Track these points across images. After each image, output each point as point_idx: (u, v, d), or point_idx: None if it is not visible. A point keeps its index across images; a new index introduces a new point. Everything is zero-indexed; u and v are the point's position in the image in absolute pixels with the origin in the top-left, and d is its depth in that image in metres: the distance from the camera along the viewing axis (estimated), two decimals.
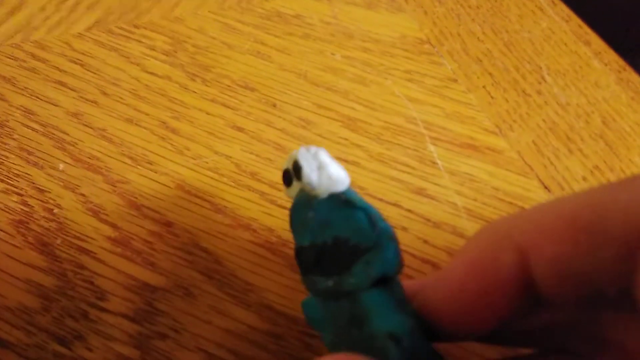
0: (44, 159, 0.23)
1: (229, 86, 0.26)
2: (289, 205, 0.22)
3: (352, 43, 0.28)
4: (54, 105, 0.25)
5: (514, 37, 0.29)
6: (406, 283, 0.14)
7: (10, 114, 0.25)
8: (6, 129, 0.24)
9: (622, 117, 0.26)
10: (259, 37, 0.28)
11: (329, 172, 0.15)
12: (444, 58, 0.28)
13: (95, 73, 0.26)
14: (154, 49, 0.28)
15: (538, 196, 0.23)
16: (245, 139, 0.24)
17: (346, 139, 0.24)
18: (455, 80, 0.27)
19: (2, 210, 0.21)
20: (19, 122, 0.24)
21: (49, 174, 0.22)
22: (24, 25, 0.29)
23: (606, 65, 0.28)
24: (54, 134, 0.24)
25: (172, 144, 0.24)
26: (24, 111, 0.25)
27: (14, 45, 0.28)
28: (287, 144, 0.24)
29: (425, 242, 0.21)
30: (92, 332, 0.18)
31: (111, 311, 0.19)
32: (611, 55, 0.28)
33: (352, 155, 0.24)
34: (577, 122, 0.26)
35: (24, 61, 0.27)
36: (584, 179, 0.23)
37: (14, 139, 0.24)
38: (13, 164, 0.23)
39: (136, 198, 0.22)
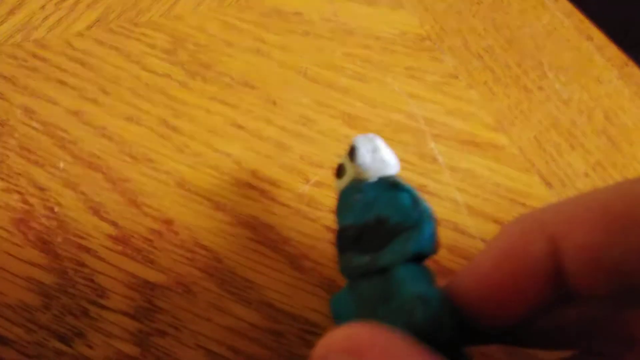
0: (44, 158, 0.23)
1: (228, 84, 0.26)
2: (289, 203, 0.22)
3: (353, 40, 0.28)
4: (54, 104, 0.25)
5: (515, 33, 0.29)
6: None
7: (10, 113, 0.25)
8: (7, 128, 0.24)
9: (624, 112, 0.26)
10: (258, 34, 0.28)
11: (382, 155, 0.16)
12: (444, 54, 0.28)
13: (95, 72, 0.26)
14: (154, 47, 0.28)
15: (539, 192, 0.23)
16: (245, 137, 0.24)
17: (346, 136, 0.24)
18: (456, 77, 0.27)
19: (3, 208, 0.21)
20: (20, 121, 0.24)
21: (49, 173, 0.22)
22: (24, 25, 0.29)
23: (608, 60, 0.28)
24: (55, 133, 0.24)
25: (172, 142, 0.24)
26: (25, 110, 0.25)
27: (14, 45, 0.28)
28: (287, 142, 0.24)
29: None
30: (92, 329, 0.18)
31: (111, 308, 0.19)
32: (613, 50, 0.28)
33: None
34: (579, 117, 0.25)
35: (25, 60, 0.27)
36: (586, 174, 0.23)
37: (14, 137, 0.24)
38: (14, 162, 0.23)
39: (136, 196, 0.22)
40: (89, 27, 0.29)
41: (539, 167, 0.24)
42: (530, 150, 0.24)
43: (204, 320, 0.19)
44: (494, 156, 0.24)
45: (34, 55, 0.27)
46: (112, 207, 0.21)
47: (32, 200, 0.22)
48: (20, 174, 0.22)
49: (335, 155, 0.23)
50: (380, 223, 0.15)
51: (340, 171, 0.17)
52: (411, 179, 0.23)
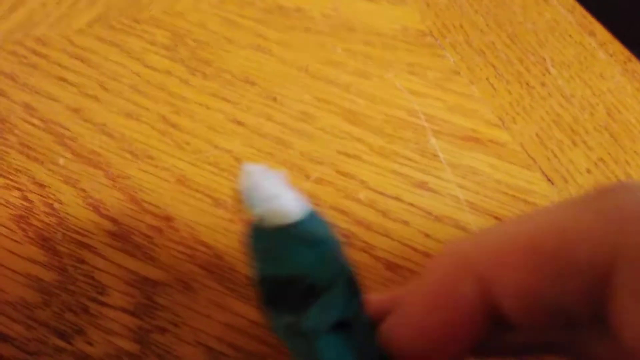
0: (44, 155, 0.23)
1: (229, 80, 0.26)
2: None
3: (354, 36, 0.28)
4: (55, 100, 0.25)
5: (517, 29, 0.29)
6: (375, 299, 0.14)
7: (11, 110, 0.25)
8: (7, 124, 0.24)
9: (627, 108, 0.25)
10: (259, 31, 0.28)
11: (278, 204, 0.13)
12: (446, 50, 0.28)
13: (95, 68, 0.26)
14: (154, 44, 0.27)
15: (541, 189, 0.23)
16: (245, 133, 0.24)
17: (347, 133, 0.24)
18: (457, 73, 0.27)
19: (3, 205, 0.21)
20: (20, 117, 0.24)
21: (49, 169, 0.22)
22: (25, 22, 0.29)
23: (611, 56, 0.28)
24: (55, 130, 0.24)
25: (172, 139, 0.24)
26: (25, 107, 0.25)
27: (15, 42, 0.28)
28: (287, 138, 0.24)
29: (427, 236, 0.21)
30: (92, 326, 0.18)
31: (111, 305, 0.19)
32: (616, 46, 0.28)
33: (353, 149, 0.23)
34: (581, 114, 0.25)
35: (25, 57, 0.27)
36: (588, 171, 0.23)
37: (14, 134, 0.24)
38: (14, 159, 0.23)
39: (136, 193, 0.22)
40: (90, 24, 0.29)
41: (541, 163, 0.23)
42: (532, 146, 0.24)
43: (204, 317, 0.19)
44: (495, 153, 0.24)
45: (35, 52, 0.27)
46: (112, 204, 0.21)
47: (32, 197, 0.22)
48: (20, 171, 0.22)
49: (336, 151, 0.23)
50: (293, 282, 0.13)
51: (244, 199, 0.15)
52: (412, 176, 0.23)
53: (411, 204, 0.22)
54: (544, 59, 0.27)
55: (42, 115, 0.24)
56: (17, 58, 0.27)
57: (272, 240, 0.13)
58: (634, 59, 0.28)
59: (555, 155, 0.24)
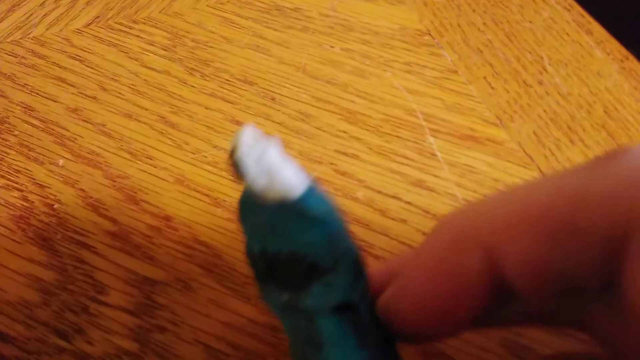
0: (44, 155, 0.23)
1: (227, 80, 0.26)
2: None
3: (351, 35, 0.28)
4: (54, 101, 0.25)
5: (515, 28, 0.29)
6: (375, 270, 0.13)
7: (10, 111, 0.25)
8: (6, 125, 0.24)
9: (624, 106, 0.26)
10: (257, 30, 0.28)
11: (279, 179, 0.12)
12: (444, 49, 0.28)
13: (94, 69, 0.26)
14: (153, 44, 0.28)
15: None
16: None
17: (345, 132, 0.24)
18: (455, 72, 0.27)
19: (3, 205, 0.21)
20: (19, 118, 0.24)
21: (49, 170, 0.23)
22: (24, 22, 0.29)
23: (608, 54, 0.28)
24: (54, 130, 0.24)
25: (171, 139, 0.24)
26: (24, 107, 0.25)
27: (13, 42, 0.28)
28: (286, 138, 0.24)
29: (425, 234, 0.21)
30: (92, 325, 0.19)
31: (111, 305, 0.19)
32: (613, 45, 0.28)
33: (352, 148, 0.24)
34: (578, 112, 0.25)
35: (24, 58, 0.27)
36: None
37: (14, 135, 0.24)
38: (13, 160, 0.23)
39: (135, 192, 0.22)
40: (88, 24, 0.29)
41: (539, 162, 0.23)
42: (530, 145, 0.24)
43: (203, 316, 0.19)
44: (493, 151, 0.24)
45: (33, 53, 0.27)
46: (111, 204, 0.21)
47: (31, 197, 0.22)
48: (19, 171, 0.23)
49: (335, 151, 0.23)
50: (294, 259, 0.12)
51: (238, 170, 0.13)
52: (410, 175, 0.23)
53: (409, 203, 0.22)
54: (542, 58, 0.28)
55: (41, 116, 0.24)
56: (16, 58, 0.27)
57: (272, 215, 0.12)
58: (631, 57, 0.28)
59: (553, 154, 0.24)
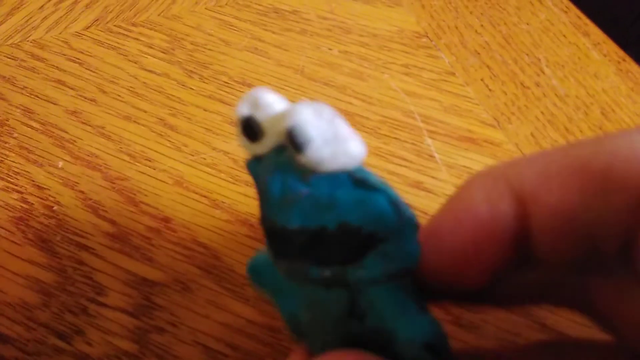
0: (43, 157, 0.23)
1: (226, 82, 0.26)
2: None
3: (350, 38, 0.28)
4: (53, 103, 0.25)
5: (512, 30, 0.29)
6: None
7: (10, 113, 0.25)
8: (6, 127, 0.24)
9: (621, 108, 0.26)
10: (256, 33, 0.28)
11: (347, 148, 0.11)
12: (441, 51, 0.28)
13: (93, 71, 0.27)
14: (151, 47, 0.28)
15: None
16: (235, 131, 0.24)
17: None
18: (453, 74, 0.27)
19: (2, 207, 0.22)
20: (19, 120, 0.24)
21: (48, 172, 0.23)
22: (23, 25, 0.29)
23: (605, 56, 0.28)
24: (53, 132, 0.24)
25: (170, 141, 0.24)
26: (24, 110, 0.25)
27: (13, 45, 0.28)
28: None
29: None
30: (91, 326, 0.19)
31: (110, 306, 0.19)
32: (610, 46, 0.28)
33: None
34: (575, 113, 0.25)
35: (24, 60, 0.27)
36: None
37: (14, 137, 0.24)
38: (13, 162, 0.23)
39: (134, 194, 0.22)
40: (87, 27, 0.29)
41: None
42: (527, 146, 0.24)
43: (202, 317, 0.19)
44: (490, 153, 0.24)
45: (33, 56, 0.27)
46: (110, 206, 0.22)
47: (31, 199, 0.22)
48: (19, 173, 0.23)
49: None
50: (345, 232, 0.11)
51: (251, 129, 0.12)
52: (407, 176, 0.23)
53: (407, 204, 0.22)
54: (539, 60, 0.28)
55: (40, 118, 0.25)
56: (16, 61, 0.27)
57: (325, 186, 0.11)
58: (628, 58, 0.28)
59: None
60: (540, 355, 0.13)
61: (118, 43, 0.28)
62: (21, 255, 0.20)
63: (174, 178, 0.22)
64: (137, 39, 0.28)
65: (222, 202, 0.22)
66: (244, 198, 0.22)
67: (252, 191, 0.22)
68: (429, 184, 0.23)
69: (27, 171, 0.23)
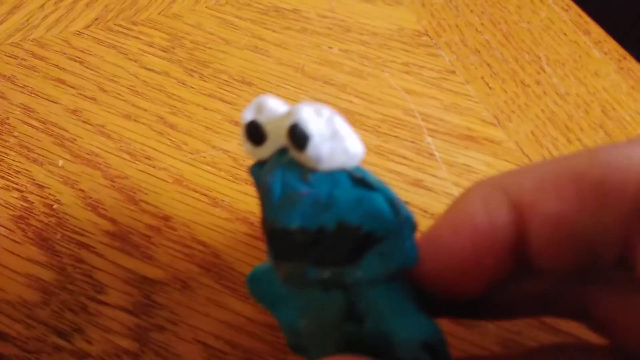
0: (43, 156, 0.23)
1: (226, 81, 0.26)
2: None
3: (350, 36, 0.28)
4: (54, 102, 0.25)
5: (512, 28, 0.29)
6: None
7: (10, 112, 0.25)
8: (6, 126, 0.24)
9: (622, 106, 0.26)
10: (256, 32, 0.28)
11: (345, 146, 0.11)
12: (441, 50, 0.28)
13: (94, 70, 0.27)
14: (152, 46, 0.28)
15: None
16: (240, 134, 0.24)
17: None
18: (453, 72, 0.27)
19: (3, 206, 0.22)
20: (19, 119, 0.24)
21: (48, 170, 0.23)
22: (24, 24, 0.29)
23: (606, 54, 0.28)
24: (54, 131, 0.24)
25: (170, 139, 0.24)
26: (24, 109, 0.25)
27: (13, 44, 0.28)
28: None
29: (423, 234, 0.21)
30: (91, 324, 0.19)
31: (110, 304, 0.19)
32: (611, 44, 0.28)
33: None
34: (576, 111, 0.25)
35: (24, 59, 0.27)
36: None
37: (14, 136, 0.24)
38: (13, 160, 0.23)
39: (134, 193, 0.22)
40: (88, 26, 0.29)
41: (536, 161, 0.24)
42: (528, 144, 0.24)
43: (202, 315, 0.19)
44: (491, 151, 0.24)
45: (33, 54, 0.27)
46: (110, 204, 0.22)
47: (31, 197, 0.22)
48: (19, 172, 0.23)
49: None
50: (343, 231, 0.11)
51: (255, 133, 0.13)
52: (407, 174, 0.23)
53: (407, 202, 0.22)
54: (539, 58, 0.28)
55: (41, 117, 0.25)
56: (16, 60, 0.27)
57: (324, 185, 0.12)
58: (628, 57, 0.28)
59: (551, 153, 0.24)
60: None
61: (118, 42, 0.28)
62: (21, 254, 0.20)
63: (174, 176, 0.22)
64: (137, 38, 0.28)
65: (222, 200, 0.22)
66: (244, 196, 0.22)
67: (252, 190, 0.22)
68: (429, 182, 0.23)
69: (27, 170, 0.23)
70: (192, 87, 0.26)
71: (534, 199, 0.11)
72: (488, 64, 0.27)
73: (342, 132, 0.11)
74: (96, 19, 0.29)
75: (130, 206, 0.22)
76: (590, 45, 0.28)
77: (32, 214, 0.21)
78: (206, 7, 0.30)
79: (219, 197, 0.22)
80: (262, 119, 0.13)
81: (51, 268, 0.20)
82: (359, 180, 0.12)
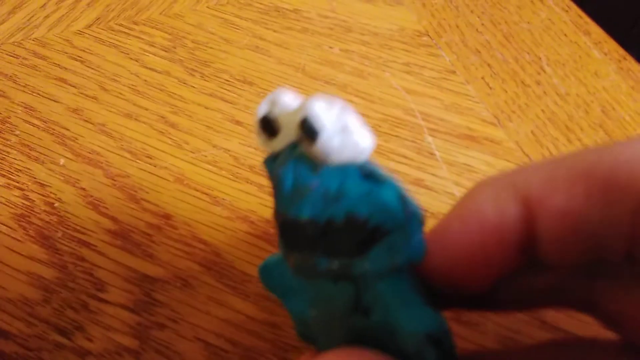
0: (45, 154, 0.23)
1: (227, 80, 0.26)
2: None
3: (351, 36, 0.28)
4: (55, 101, 0.25)
5: (513, 28, 0.29)
6: None
7: (12, 111, 0.25)
8: (8, 125, 0.24)
9: (622, 106, 0.26)
10: (257, 32, 0.29)
11: (354, 139, 0.11)
12: (442, 50, 0.28)
13: (95, 69, 0.27)
14: (153, 45, 0.28)
15: None
16: (243, 133, 0.24)
17: None
18: (453, 72, 0.27)
19: (4, 204, 0.22)
20: (21, 118, 0.25)
21: (49, 169, 0.23)
22: (25, 24, 0.29)
23: (606, 54, 0.28)
24: (55, 130, 0.24)
25: (171, 138, 0.24)
26: (26, 108, 0.25)
27: (15, 43, 0.28)
28: None
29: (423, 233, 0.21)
30: (92, 322, 0.19)
31: (111, 302, 0.19)
32: (611, 45, 0.28)
33: None
34: (576, 111, 0.25)
35: (25, 59, 0.27)
36: None
37: (15, 135, 0.24)
38: (15, 159, 0.23)
39: (135, 191, 0.22)
40: (89, 26, 0.29)
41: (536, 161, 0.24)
42: (528, 144, 0.24)
43: (203, 313, 0.19)
44: (491, 150, 0.24)
45: (35, 54, 0.27)
46: (111, 203, 0.22)
47: (32, 196, 0.22)
48: (21, 171, 0.23)
49: None
50: (352, 224, 0.12)
51: (268, 125, 0.13)
52: (408, 174, 0.23)
53: (413, 199, 0.22)
54: (539, 58, 0.28)
55: (42, 116, 0.25)
56: (18, 59, 0.27)
57: (335, 178, 0.12)
58: (628, 57, 0.28)
59: (551, 153, 0.24)
60: (543, 356, 0.13)
61: (119, 41, 0.28)
62: (22, 252, 0.20)
63: (175, 175, 0.23)
64: (139, 37, 0.28)
65: (223, 199, 0.22)
66: (245, 195, 0.22)
67: (252, 188, 0.22)
68: (429, 181, 0.23)
69: (28, 168, 0.23)
70: (193, 87, 0.26)
71: (542, 194, 0.11)
72: (488, 64, 0.27)
73: (352, 126, 0.12)
74: (97, 18, 0.29)
75: (131, 205, 0.22)
76: (591, 46, 0.28)
77: (33, 213, 0.21)
78: (207, 7, 0.30)
79: (219, 196, 0.22)
80: (276, 112, 0.13)
81: (52, 266, 0.20)
82: (368, 173, 0.12)
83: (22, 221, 0.21)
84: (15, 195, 0.22)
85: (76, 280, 0.20)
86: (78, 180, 0.22)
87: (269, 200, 0.22)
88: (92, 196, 0.22)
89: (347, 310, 0.12)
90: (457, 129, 0.24)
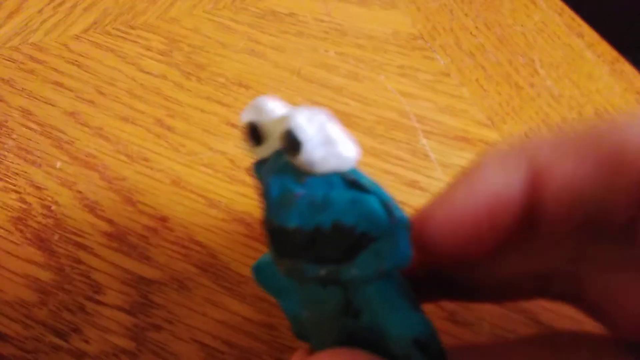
0: (41, 158, 0.23)
1: (223, 84, 0.26)
2: None
3: (346, 40, 0.29)
4: (52, 105, 0.25)
5: (506, 31, 0.29)
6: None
7: (9, 115, 0.25)
8: (5, 129, 0.24)
9: (615, 108, 0.26)
10: (253, 35, 0.29)
11: (339, 150, 0.12)
12: (436, 53, 0.28)
13: (92, 73, 0.27)
14: (149, 49, 0.28)
15: None
16: (239, 136, 0.24)
17: None
18: (448, 75, 0.27)
19: (1, 207, 0.22)
20: (18, 122, 0.25)
21: (46, 172, 0.23)
22: (22, 28, 0.29)
23: (599, 57, 0.28)
24: (52, 133, 0.24)
25: (167, 141, 0.24)
26: (23, 111, 0.25)
27: (12, 48, 0.28)
28: None
29: None
30: (88, 324, 0.19)
31: (107, 304, 0.19)
32: (604, 47, 0.29)
33: None
34: (569, 114, 0.26)
35: (22, 63, 0.27)
36: None
37: (12, 138, 0.24)
38: (12, 162, 0.23)
39: (132, 194, 0.22)
40: (86, 30, 0.29)
41: None
42: None
43: (199, 315, 0.19)
44: (485, 152, 0.24)
45: (32, 58, 0.27)
46: (108, 205, 0.22)
47: (29, 199, 0.22)
48: (18, 174, 0.23)
49: None
50: (339, 232, 0.12)
51: (254, 133, 0.13)
52: (403, 175, 0.23)
53: (403, 203, 0.22)
54: (533, 60, 0.28)
55: (39, 120, 0.25)
56: (15, 64, 0.27)
57: (320, 187, 0.12)
58: (621, 59, 0.28)
59: None
60: (534, 349, 0.13)
61: (116, 45, 0.28)
62: (19, 255, 0.20)
63: (171, 178, 0.23)
64: (135, 42, 0.28)
65: (219, 201, 0.22)
66: (241, 197, 0.22)
67: (248, 191, 0.22)
68: (424, 183, 0.23)
69: (25, 172, 0.23)
70: (190, 90, 0.26)
71: (551, 161, 0.11)
72: (482, 67, 0.28)
73: (335, 138, 0.12)
74: (94, 23, 0.29)
75: (127, 207, 0.22)
76: (584, 48, 0.29)
77: (30, 216, 0.21)
78: (203, 11, 0.30)
79: (215, 198, 0.22)
80: (261, 120, 0.13)
81: (49, 269, 0.20)
82: (352, 182, 0.12)
83: (19, 224, 0.21)
84: (12, 199, 0.22)
85: (73, 282, 0.20)
86: (75, 183, 0.22)
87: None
88: (88, 199, 0.22)
89: (337, 312, 0.13)
90: (452, 131, 0.25)
